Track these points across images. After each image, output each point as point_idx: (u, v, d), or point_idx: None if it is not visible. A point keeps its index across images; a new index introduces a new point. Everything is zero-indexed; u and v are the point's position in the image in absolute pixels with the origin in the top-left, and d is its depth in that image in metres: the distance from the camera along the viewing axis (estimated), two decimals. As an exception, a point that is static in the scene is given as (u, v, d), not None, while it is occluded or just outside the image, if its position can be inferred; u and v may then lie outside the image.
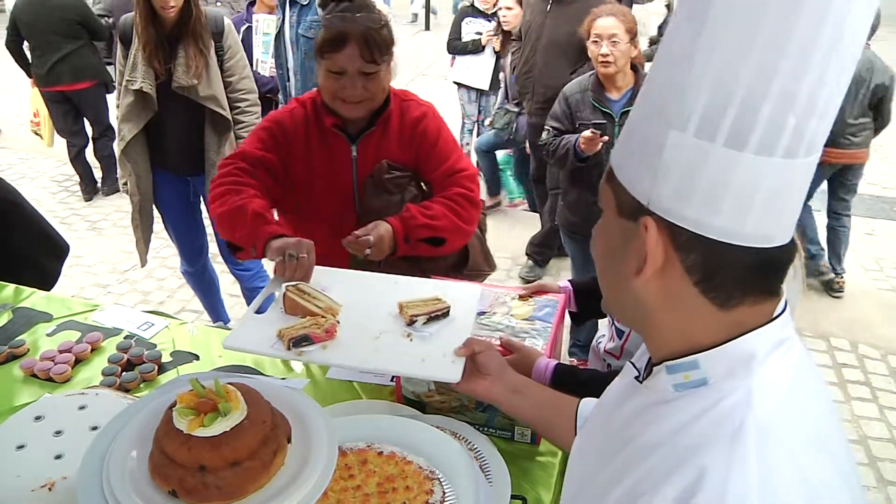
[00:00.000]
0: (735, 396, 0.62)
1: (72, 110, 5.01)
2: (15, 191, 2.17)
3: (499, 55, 4.62)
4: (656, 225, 0.62)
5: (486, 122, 4.78)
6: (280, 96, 3.66)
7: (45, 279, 2.15)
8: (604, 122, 2.69)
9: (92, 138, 5.18)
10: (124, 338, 1.73)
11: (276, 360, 1.66)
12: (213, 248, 3.39)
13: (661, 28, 5.20)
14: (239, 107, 2.89)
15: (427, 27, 12.19)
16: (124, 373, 1.57)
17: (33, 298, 1.90)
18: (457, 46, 4.85)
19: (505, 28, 4.24)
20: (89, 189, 5.22)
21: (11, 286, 1.95)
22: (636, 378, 0.75)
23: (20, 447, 1.14)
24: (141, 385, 1.57)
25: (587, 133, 2.63)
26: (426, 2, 12.13)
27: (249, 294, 3.33)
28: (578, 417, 1.08)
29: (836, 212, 3.81)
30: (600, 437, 0.76)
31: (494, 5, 4.54)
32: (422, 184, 1.85)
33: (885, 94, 3.50)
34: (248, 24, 3.74)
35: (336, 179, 1.78)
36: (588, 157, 2.68)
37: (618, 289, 0.71)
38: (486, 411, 1.38)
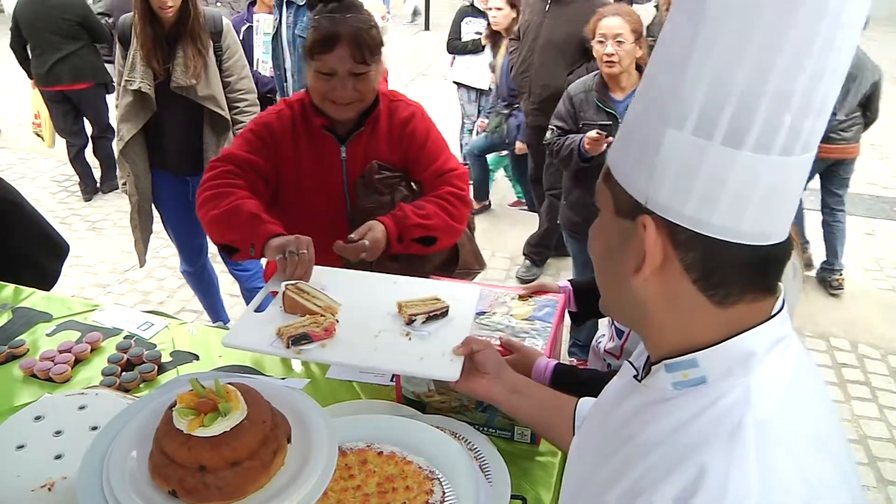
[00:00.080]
0: (734, 394, 0.62)
1: (72, 110, 5.01)
2: (15, 191, 2.17)
3: (475, 50, 4.60)
4: (654, 223, 0.62)
5: (478, 123, 4.78)
6: (279, 97, 3.66)
7: (45, 279, 2.15)
8: (609, 123, 2.68)
9: (91, 138, 5.19)
10: (124, 338, 1.73)
11: (277, 359, 1.66)
12: (212, 248, 3.39)
13: (650, 28, 5.20)
14: (238, 107, 2.89)
15: (427, 27, 12.19)
16: (124, 373, 1.57)
17: (33, 298, 1.90)
18: (456, 46, 4.85)
19: (494, 28, 4.22)
20: (89, 189, 5.23)
21: (11, 286, 1.95)
22: (634, 377, 0.75)
23: (20, 447, 1.14)
24: (141, 385, 1.57)
25: (592, 133, 2.63)
26: (426, 1, 12.13)
27: (249, 294, 3.33)
28: (577, 417, 1.08)
29: (831, 207, 3.82)
30: (598, 437, 0.76)
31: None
32: (412, 184, 1.85)
33: (874, 91, 3.55)
34: (248, 24, 3.74)
35: (326, 180, 1.77)
36: (592, 157, 2.68)
37: (616, 288, 0.71)
38: (486, 411, 1.38)
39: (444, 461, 1.17)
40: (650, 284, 0.65)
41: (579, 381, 1.28)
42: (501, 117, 4.32)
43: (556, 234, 4.10)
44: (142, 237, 3.09)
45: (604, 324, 1.86)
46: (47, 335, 1.75)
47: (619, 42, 2.60)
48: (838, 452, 0.64)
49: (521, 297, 1.52)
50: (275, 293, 1.44)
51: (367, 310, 1.39)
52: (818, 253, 4.04)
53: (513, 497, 1.21)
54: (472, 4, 4.79)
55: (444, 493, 1.11)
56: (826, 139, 3.48)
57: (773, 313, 0.65)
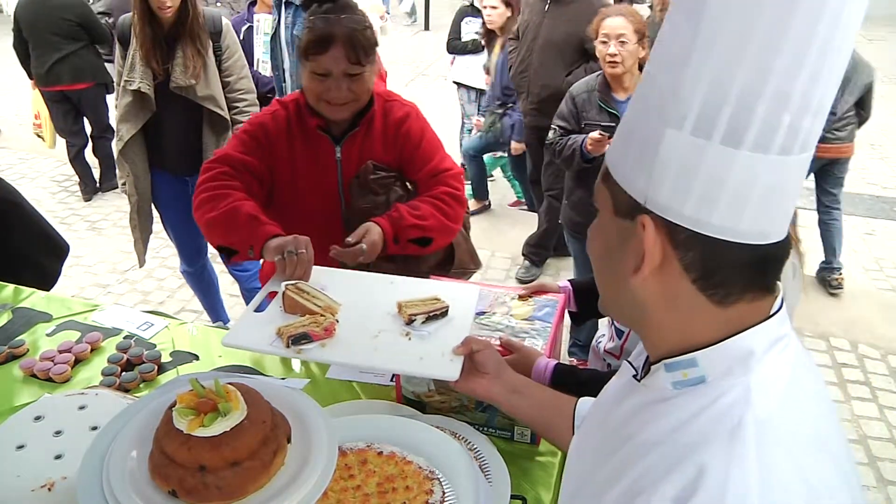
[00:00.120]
0: (733, 393, 0.62)
1: (72, 110, 5.02)
2: (15, 191, 2.17)
3: (475, 50, 4.59)
4: (654, 223, 0.63)
5: (474, 120, 4.77)
6: (277, 97, 3.66)
7: (45, 279, 2.15)
8: (612, 123, 2.68)
9: (91, 137, 5.19)
10: (124, 338, 1.73)
11: (276, 359, 1.66)
12: (212, 248, 3.39)
13: None
14: (237, 107, 2.89)
15: (427, 27, 12.19)
16: (124, 373, 1.57)
17: (33, 298, 1.90)
18: (456, 46, 4.85)
19: (489, 27, 4.21)
20: (89, 189, 5.23)
21: (11, 286, 1.95)
22: (634, 377, 0.75)
23: (20, 447, 1.14)
24: (141, 385, 1.57)
25: (594, 134, 2.63)
26: (426, 2, 12.12)
27: (248, 295, 3.33)
28: (576, 417, 1.08)
29: (826, 205, 3.84)
30: (598, 436, 0.76)
31: None
32: (407, 184, 1.85)
33: (868, 91, 3.60)
34: (249, 24, 3.74)
35: (321, 181, 1.77)
36: (594, 158, 2.68)
37: (615, 288, 0.71)
38: (486, 411, 1.38)
39: (444, 461, 1.18)
40: (649, 284, 0.65)
41: (579, 381, 1.28)
42: (495, 116, 4.31)
43: (556, 235, 4.10)
44: (141, 237, 3.09)
45: (604, 324, 1.86)
46: (47, 335, 1.75)
47: (622, 42, 2.59)
48: (838, 452, 0.64)
49: (521, 297, 1.52)
50: (274, 293, 1.44)
51: (367, 310, 1.39)
52: (815, 252, 4.04)
53: (513, 497, 1.21)
54: (471, 4, 4.79)
55: (444, 493, 1.11)
56: (821, 139, 3.51)
57: (772, 312, 0.66)
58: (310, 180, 1.77)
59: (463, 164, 4.77)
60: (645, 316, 0.69)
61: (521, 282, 4.02)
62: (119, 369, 1.59)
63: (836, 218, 3.84)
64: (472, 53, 4.75)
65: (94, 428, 1.17)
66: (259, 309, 1.40)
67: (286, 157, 1.76)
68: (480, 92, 4.90)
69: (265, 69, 3.72)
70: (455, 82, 5.05)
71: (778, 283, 0.67)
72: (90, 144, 5.23)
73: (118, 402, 1.27)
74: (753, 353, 0.63)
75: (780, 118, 0.58)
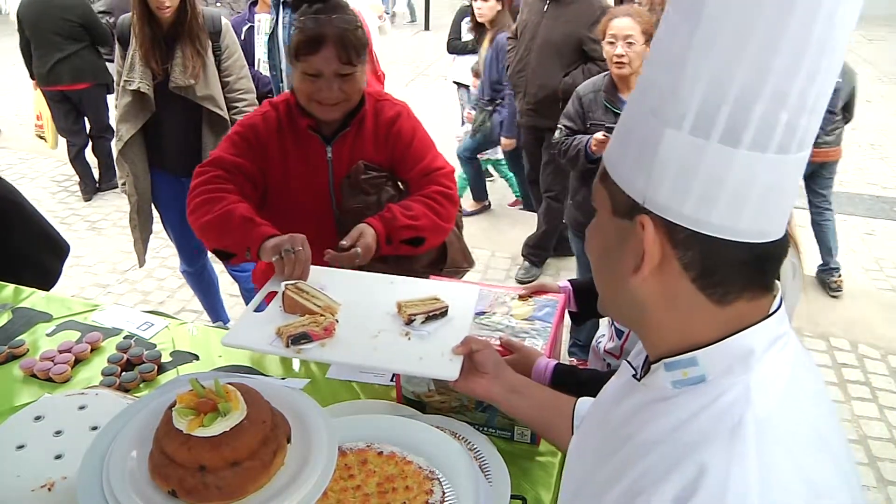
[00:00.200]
0: (734, 392, 0.62)
1: (72, 110, 5.02)
2: (15, 190, 2.17)
3: (475, 50, 4.58)
4: (653, 223, 0.63)
5: (465, 114, 4.76)
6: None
7: (46, 278, 2.15)
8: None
9: (90, 137, 5.19)
10: (124, 338, 1.73)
11: (276, 359, 1.66)
12: (212, 248, 3.39)
13: None
14: (236, 107, 2.89)
15: (427, 27, 12.19)
16: (124, 373, 1.57)
17: (33, 298, 1.90)
18: (456, 46, 4.85)
19: (479, 20, 4.20)
20: (89, 189, 5.23)
21: (11, 286, 1.95)
22: (633, 376, 0.75)
23: (20, 447, 1.14)
24: (141, 385, 1.57)
25: (599, 135, 2.63)
26: (426, 2, 12.13)
27: (248, 295, 3.33)
28: (575, 417, 1.08)
29: (817, 206, 3.88)
30: (598, 436, 0.76)
31: None
32: (398, 183, 1.85)
33: (852, 96, 3.67)
34: (250, 24, 3.74)
35: (312, 181, 1.77)
36: (599, 158, 2.68)
37: (614, 288, 0.71)
38: (486, 411, 1.38)
39: (444, 461, 1.18)
40: (649, 284, 0.66)
41: (579, 381, 1.28)
42: (485, 114, 4.31)
43: (555, 236, 4.11)
44: (141, 237, 3.09)
45: (604, 324, 1.86)
46: (47, 335, 1.75)
47: (630, 43, 2.59)
48: (838, 452, 0.64)
49: (521, 297, 1.52)
50: (273, 294, 1.44)
51: (367, 309, 1.39)
52: (813, 253, 4.04)
53: (513, 497, 1.21)
54: (471, 4, 4.79)
55: (444, 493, 1.11)
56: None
57: (771, 311, 0.66)
58: (301, 181, 1.77)
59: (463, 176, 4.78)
60: (644, 315, 0.69)
61: (521, 283, 4.02)
62: (119, 369, 1.59)
63: (829, 218, 3.87)
64: (472, 53, 4.75)
65: (94, 428, 1.17)
66: (259, 309, 1.40)
67: (278, 158, 1.75)
68: (481, 92, 4.90)
69: (266, 69, 3.72)
70: (455, 82, 5.05)
71: (776, 281, 0.67)
72: (90, 144, 5.23)
73: (118, 402, 1.27)
74: (753, 351, 0.64)
75: (777, 117, 0.58)
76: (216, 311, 3.49)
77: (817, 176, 3.81)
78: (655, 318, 0.68)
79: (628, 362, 0.79)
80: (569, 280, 1.62)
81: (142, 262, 3.23)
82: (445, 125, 5.45)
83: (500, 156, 4.76)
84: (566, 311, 1.57)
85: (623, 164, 0.66)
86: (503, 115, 4.18)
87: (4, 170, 5.72)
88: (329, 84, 1.63)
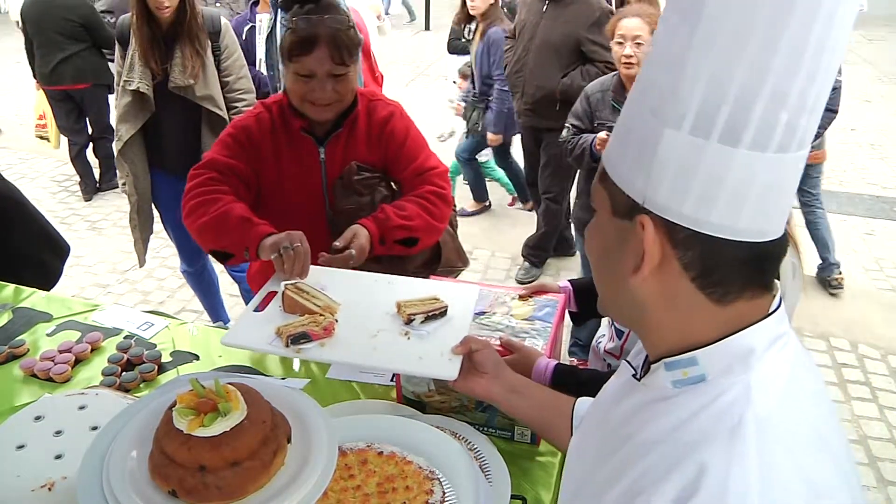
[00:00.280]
0: (734, 392, 0.62)
1: (74, 109, 5.03)
2: (16, 189, 2.17)
3: (467, 47, 4.56)
4: (653, 223, 0.63)
5: (454, 106, 4.75)
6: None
7: (47, 277, 2.15)
8: None
9: (91, 137, 5.20)
10: (124, 338, 1.73)
11: (276, 359, 1.66)
12: (212, 248, 3.39)
13: None
14: (236, 107, 2.89)
15: (427, 27, 12.20)
16: (124, 373, 1.57)
17: (33, 298, 1.91)
18: (457, 46, 4.85)
19: (472, 12, 4.20)
20: (89, 189, 5.24)
21: (11, 286, 1.95)
22: (633, 376, 0.75)
23: (20, 447, 1.14)
24: (141, 385, 1.57)
25: (602, 134, 2.64)
26: (426, 2, 12.13)
27: (248, 295, 3.33)
28: (574, 417, 1.08)
29: (809, 205, 3.89)
30: (597, 436, 0.76)
31: None
32: (391, 184, 1.85)
33: (836, 96, 3.68)
34: (251, 24, 3.74)
35: (305, 182, 1.77)
36: None
37: (614, 288, 0.71)
38: (486, 411, 1.38)
39: (444, 461, 1.18)
40: (648, 284, 0.66)
41: (579, 381, 1.28)
42: (478, 112, 4.29)
43: (555, 237, 4.11)
44: (141, 237, 3.10)
45: (604, 324, 1.86)
46: (47, 335, 1.75)
47: (639, 44, 2.58)
48: (838, 451, 0.64)
49: (521, 297, 1.52)
50: (273, 293, 1.44)
51: (366, 309, 1.39)
52: (812, 252, 4.04)
53: (513, 497, 1.21)
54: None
55: (444, 493, 1.11)
56: None
57: (770, 311, 0.66)
58: (295, 182, 1.76)
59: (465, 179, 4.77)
60: (644, 315, 0.69)
61: (521, 283, 4.02)
62: (119, 369, 1.59)
63: (821, 216, 3.89)
64: (472, 53, 4.75)
65: (94, 428, 1.17)
66: (258, 308, 1.40)
67: (271, 159, 1.75)
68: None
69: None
70: (455, 82, 5.04)
71: (776, 281, 0.67)
72: (91, 144, 5.23)
73: (118, 402, 1.27)
74: (753, 350, 0.64)
75: (777, 116, 0.58)
76: (216, 311, 3.49)
77: (805, 176, 3.81)
78: (655, 318, 0.68)
79: (628, 362, 0.79)
80: (569, 280, 1.62)
81: (142, 262, 3.23)
82: (445, 125, 5.45)
83: (485, 158, 4.75)
84: (566, 311, 1.57)
85: (622, 165, 0.66)
86: (493, 111, 4.17)
87: (4, 170, 5.68)
88: (322, 84, 1.63)
